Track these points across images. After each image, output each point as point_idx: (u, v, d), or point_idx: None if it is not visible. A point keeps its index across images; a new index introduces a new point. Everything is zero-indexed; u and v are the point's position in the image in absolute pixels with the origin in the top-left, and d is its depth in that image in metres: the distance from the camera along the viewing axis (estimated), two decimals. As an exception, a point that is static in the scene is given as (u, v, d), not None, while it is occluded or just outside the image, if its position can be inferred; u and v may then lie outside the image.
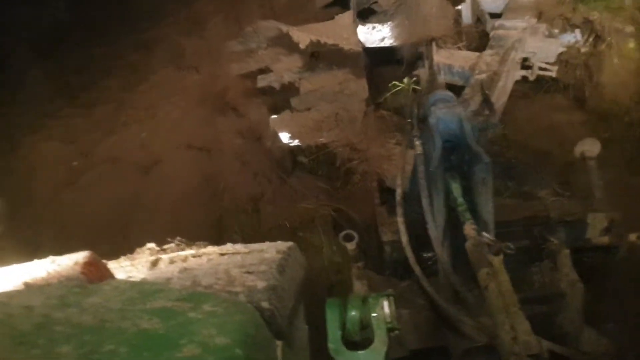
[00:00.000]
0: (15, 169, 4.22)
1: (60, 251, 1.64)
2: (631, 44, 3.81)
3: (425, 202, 2.27)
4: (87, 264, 1.53)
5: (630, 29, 3.85)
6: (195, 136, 4.15)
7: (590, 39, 3.86)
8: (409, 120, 2.42)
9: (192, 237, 3.42)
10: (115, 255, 1.93)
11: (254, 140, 4.09)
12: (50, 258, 1.60)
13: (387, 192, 3.17)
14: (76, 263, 1.53)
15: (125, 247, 2.07)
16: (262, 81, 3.73)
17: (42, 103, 4.86)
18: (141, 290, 1.33)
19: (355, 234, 2.40)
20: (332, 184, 3.64)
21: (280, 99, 3.75)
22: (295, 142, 3.43)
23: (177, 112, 4.28)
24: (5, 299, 1.32)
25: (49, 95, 4.92)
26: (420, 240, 2.41)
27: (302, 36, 3.03)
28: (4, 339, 1.14)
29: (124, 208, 3.85)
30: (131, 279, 1.67)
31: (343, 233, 2.42)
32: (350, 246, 2.42)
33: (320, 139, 3.35)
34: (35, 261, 1.63)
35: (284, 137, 3.51)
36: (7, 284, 1.52)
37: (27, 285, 1.50)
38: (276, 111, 3.63)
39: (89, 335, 1.15)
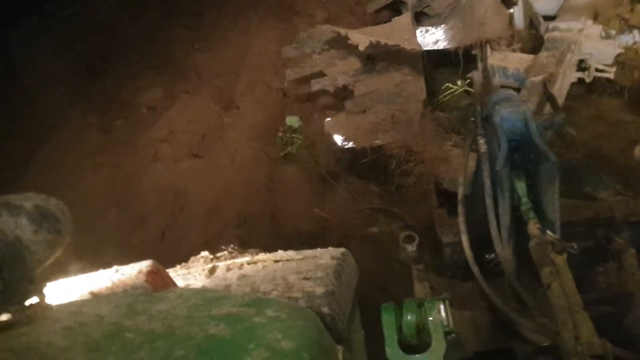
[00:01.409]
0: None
1: (122, 260, 1.71)
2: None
3: (488, 201, 2.27)
4: (151, 273, 1.57)
5: (692, 28, 3.76)
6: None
7: (651, 40, 3.78)
8: (472, 119, 2.42)
9: (251, 232, 3.52)
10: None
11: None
12: (115, 267, 1.64)
13: (444, 195, 3.18)
14: (140, 272, 1.58)
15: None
16: (316, 85, 3.78)
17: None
18: (205, 297, 1.36)
19: (415, 236, 2.43)
20: (386, 187, 3.67)
21: (335, 102, 3.80)
22: (350, 145, 3.46)
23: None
24: (76, 308, 1.36)
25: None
26: (481, 241, 2.41)
27: (361, 38, 3.06)
28: (79, 347, 1.18)
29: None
30: (192, 287, 1.72)
31: (403, 234, 2.45)
32: (411, 248, 2.45)
33: (376, 141, 3.37)
34: (100, 271, 1.68)
35: (338, 139, 3.55)
36: (75, 294, 1.57)
37: (94, 295, 1.55)
38: (331, 114, 3.67)
39: (160, 341, 1.18)
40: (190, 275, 1.90)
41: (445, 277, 2.74)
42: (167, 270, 1.83)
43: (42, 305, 1.31)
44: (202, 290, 1.56)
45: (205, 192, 4.05)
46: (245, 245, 2.55)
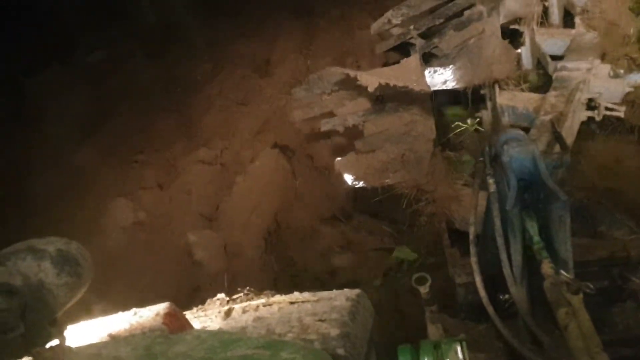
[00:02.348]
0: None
1: (139, 303, 1.72)
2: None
3: (500, 241, 2.25)
4: (168, 315, 1.61)
5: (700, 67, 3.77)
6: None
7: (659, 78, 3.79)
8: (481, 159, 2.42)
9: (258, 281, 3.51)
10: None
11: (317, 182, 4.19)
12: (133, 310, 1.68)
13: (456, 234, 3.16)
14: (157, 314, 1.61)
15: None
16: (325, 125, 3.82)
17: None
18: (221, 339, 1.36)
19: (428, 277, 2.40)
20: (397, 226, 3.66)
21: (344, 142, 3.83)
22: (360, 184, 3.47)
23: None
24: (95, 350, 1.39)
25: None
26: (495, 281, 2.38)
27: (371, 80, 3.11)
28: None
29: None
30: (208, 329, 1.73)
31: (416, 276, 2.42)
32: (424, 289, 2.42)
33: (386, 181, 3.38)
34: (119, 313, 1.71)
35: (349, 179, 3.56)
36: (93, 336, 1.60)
37: (112, 337, 1.58)
38: (340, 154, 3.70)
39: None
40: (206, 317, 1.91)
41: (459, 318, 2.70)
42: (184, 312, 1.84)
43: (62, 348, 1.32)
44: (219, 332, 1.57)
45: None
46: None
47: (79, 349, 1.40)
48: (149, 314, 1.62)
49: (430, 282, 2.40)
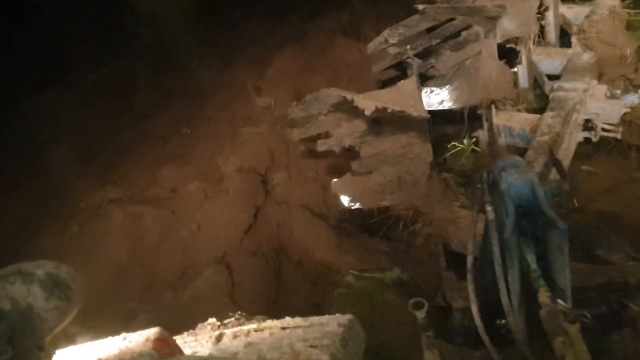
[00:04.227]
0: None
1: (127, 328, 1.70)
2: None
3: (497, 269, 2.23)
4: (158, 340, 1.58)
5: (696, 89, 3.78)
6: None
7: (656, 99, 3.81)
8: (479, 185, 2.41)
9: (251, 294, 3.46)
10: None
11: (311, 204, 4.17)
12: (122, 335, 1.65)
13: (452, 256, 3.14)
14: (147, 339, 1.58)
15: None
16: (322, 145, 3.81)
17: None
18: None
19: (424, 302, 2.38)
20: (395, 246, 3.64)
21: (341, 163, 3.82)
22: (357, 205, 3.46)
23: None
24: None
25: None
26: (492, 307, 2.36)
27: (367, 103, 3.10)
28: None
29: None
30: (198, 354, 1.71)
31: (412, 300, 2.40)
32: (420, 314, 2.40)
33: (383, 202, 3.37)
34: (108, 338, 1.68)
35: (345, 200, 3.55)
36: None
37: None
38: (337, 175, 3.68)
39: None
40: (197, 342, 1.90)
41: (455, 344, 2.68)
42: (174, 337, 1.82)
43: (51, 373, 1.30)
44: (209, 358, 1.55)
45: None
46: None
47: None
48: (139, 339, 1.60)
49: (426, 307, 2.38)
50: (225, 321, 2.08)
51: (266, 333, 1.81)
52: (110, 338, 1.69)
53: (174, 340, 1.70)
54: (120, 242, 4.01)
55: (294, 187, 4.19)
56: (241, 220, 3.95)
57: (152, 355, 1.52)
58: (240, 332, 1.87)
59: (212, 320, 2.10)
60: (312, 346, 1.61)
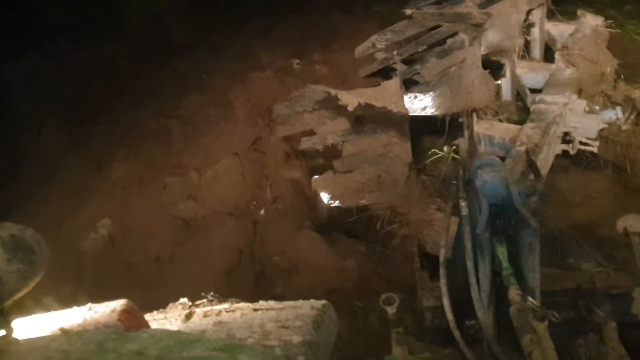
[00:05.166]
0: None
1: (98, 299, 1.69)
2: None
3: (469, 265, 2.26)
4: (124, 312, 1.56)
5: (672, 107, 3.88)
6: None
7: (632, 117, 3.89)
8: (455, 182, 2.44)
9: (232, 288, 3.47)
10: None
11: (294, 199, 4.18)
12: (88, 305, 1.62)
13: (427, 258, 3.17)
14: (113, 311, 1.56)
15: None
16: (305, 143, 3.83)
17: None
18: (178, 339, 1.33)
19: (396, 298, 2.40)
20: (371, 246, 3.66)
21: (323, 161, 3.84)
22: (336, 203, 3.48)
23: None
24: (44, 343, 1.35)
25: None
26: (462, 306, 2.38)
27: (350, 99, 3.13)
28: None
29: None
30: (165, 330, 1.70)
31: (384, 296, 2.42)
32: (391, 310, 2.41)
33: (362, 201, 3.39)
34: (74, 308, 1.66)
35: (325, 197, 3.57)
36: (45, 329, 1.54)
37: (64, 331, 1.52)
38: (318, 173, 3.70)
39: None
40: (166, 320, 1.88)
41: (425, 342, 2.69)
42: (144, 314, 1.80)
43: (8, 339, 1.28)
44: (176, 333, 1.54)
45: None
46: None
47: (27, 341, 1.36)
48: (105, 310, 1.57)
49: (397, 302, 2.40)
50: (197, 302, 2.07)
51: (237, 313, 1.80)
52: (75, 308, 1.67)
53: (142, 314, 1.68)
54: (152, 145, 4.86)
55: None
56: (249, 134, 4.68)
57: (117, 327, 1.50)
58: (211, 311, 1.86)
59: (183, 300, 2.09)
60: (283, 327, 1.60)
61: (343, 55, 5.18)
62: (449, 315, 2.34)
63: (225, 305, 1.90)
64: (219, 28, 6.43)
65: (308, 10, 6.46)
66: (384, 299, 2.44)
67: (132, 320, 1.57)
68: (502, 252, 2.23)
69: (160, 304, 3.38)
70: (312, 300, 1.82)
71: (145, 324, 1.63)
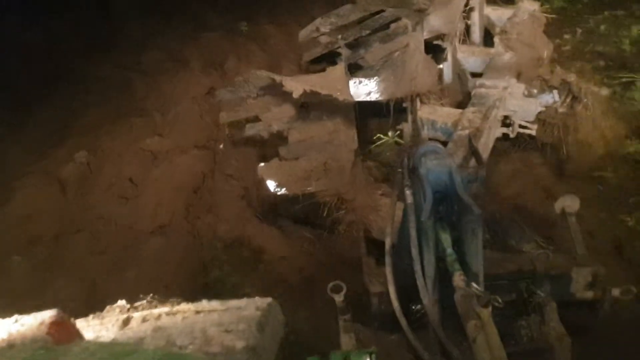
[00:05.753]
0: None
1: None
2: (606, 106, 3.97)
3: (414, 252, 2.28)
4: (54, 324, 1.48)
5: (605, 91, 4.02)
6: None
7: (568, 100, 4.01)
8: (400, 170, 2.46)
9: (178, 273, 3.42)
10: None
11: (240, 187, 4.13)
12: (14, 317, 1.54)
13: (373, 243, 3.19)
14: (42, 323, 1.48)
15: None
16: (250, 130, 3.77)
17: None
18: (112, 351, 1.29)
19: (343, 285, 2.39)
20: (318, 233, 3.66)
21: (269, 147, 3.79)
22: (283, 191, 3.44)
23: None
24: None
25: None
26: (408, 292, 2.41)
27: (296, 85, 3.09)
28: None
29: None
30: (101, 339, 1.63)
31: (331, 284, 2.41)
32: (338, 298, 2.41)
33: (308, 188, 3.37)
34: None
35: (271, 185, 3.52)
36: None
37: None
38: (264, 160, 3.65)
39: None
40: (102, 326, 1.80)
41: (373, 328, 2.71)
42: (78, 319, 1.72)
43: None
44: (110, 344, 1.47)
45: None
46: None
47: None
48: (33, 322, 1.48)
49: (345, 290, 2.39)
50: (136, 304, 1.99)
51: (178, 317, 1.75)
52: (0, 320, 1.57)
53: (73, 324, 1.59)
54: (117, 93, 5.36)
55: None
56: (204, 82, 5.23)
57: (45, 341, 1.42)
58: (150, 315, 1.80)
59: (121, 302, 2.01)
60: (226, 331, 1.57)
61: (289, 17, 5.96)
62: (395, 303, 2.37)
63: (166, 308, 1.84)
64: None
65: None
66: (331, 286, 2.43)
67: (62, 332, 1.49)
68: (445, 238, 2.26)
69: (136, 216, 3.94)
70: (257, 298, 1.79)
71: (77, 335, 1.55)
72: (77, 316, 1.75)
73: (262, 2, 6.44)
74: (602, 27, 5.41)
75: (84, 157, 4.52)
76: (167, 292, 2.96)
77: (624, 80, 4.63)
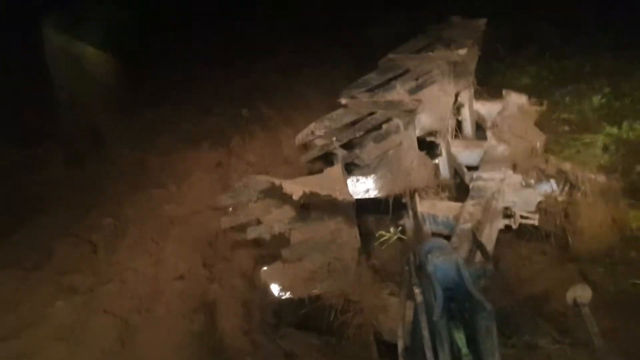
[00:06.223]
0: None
1: None
2: (604, 192, 3.99)
3: (429, 354, 2.19)
4: None
5: (602, 177, 4.06)
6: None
7: (566, 188, 4.04)
8: (406, 268, 2.42)
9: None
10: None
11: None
12: None
13: (385, 346, 3.08)
14: None
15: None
16: (252, 232, 3.74)
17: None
18: None
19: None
20: (325, 339, 3.53)
21: (271, 250, 3.75)
22: (287, 294, 3.37)
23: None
24: None
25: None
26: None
27: (295, 188, 3.12)
28: None
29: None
30: None
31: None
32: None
33: (314, 290, 3.30)
34: None
35: (275, 289, 3.46)
36: None
37: None
38: (266, 263, 3.61)
39: None
40: None
41: None
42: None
43: None
44: None
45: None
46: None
47: None
48: None
49: None
50: None
51: None
52: None
53: None
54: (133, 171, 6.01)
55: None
56: (212, 157, 5.95)
57: None
58: None
59: None
60: None
61: (284, 102, 6.75)
62: None
63: None
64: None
65: (249, 73, 7.84)
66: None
67: None
68: (460, 337, 2.18)
69: (159, 267, 4.46)
70: None
71: None
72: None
73: (259, 92, 7.23)
74: (567, 99, 5.89)
75: (111, 222, 5.10)
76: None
77: (586, 141, 5.08)
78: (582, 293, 2.99)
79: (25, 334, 3.96)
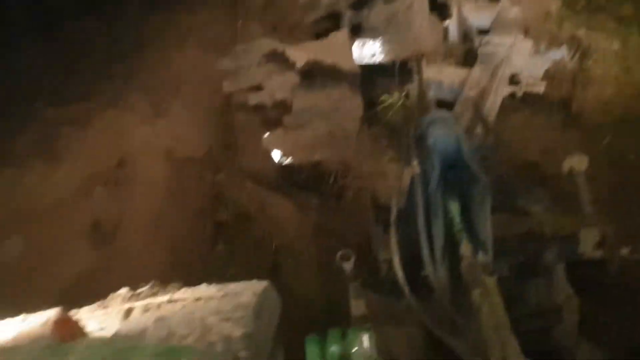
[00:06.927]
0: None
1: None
2: (617, 61, 3.88)
3: (420, 222, 2.28)
4: (58, 322, 1.55)
5: (616, 46, 3.92)
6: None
7: (577, 56, 3.92)
8: (406, 139, 2.44)
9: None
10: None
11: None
12: (22, 316, 1.61)
13: (381, 210, 3.19)
14: (47, 322, 1.55)
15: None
16: (253, 99, 3.73)
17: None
18: (115, 348, 1.32)
19: (352, 253, 2.42)
20: (325, 199, 3.66)
21: (273, 116, 3.76)
22: (288, 160, 3.44)
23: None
24: None
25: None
26: (419, 258, 2.42)
27: (299, 55, 3.05)
28: None
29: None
30: (104, 332, 1.66)
31: (340, 252, 2.44)
32: (348, 265, 2.44)
33: (314, 157, 3.36)
34: (7, 320, 1.64)
35: (277, 155, 3.52)
36: None
37: None
38: (268, 129, 3.64)
39: None
40: (106, 316, 1.83)
41: (383, 294, 2.75)
42: (83, 309, 1.76)
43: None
44: (112, 341, 1.51)
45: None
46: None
47: None
48: (38, 321, 1.55)
49: (354, 258, 2.42)
50: (138, 291, 2.03)
51: (178, 305, 1.78)
52: (8, 319, 1.62)
53: (76, 322, 1.64)
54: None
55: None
56: None
57: (50, 339, 1.49)
58: (152, 305, 1.82)
59: (124, 290, 2.05)
60: (224, 319, 1.60)
61: None
62: (399, 273, 2.39)
63: (166, 297, 1.86)
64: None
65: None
66: (340, 255, 2.46)
67: (66, 330, 1.55)
68: (454, 207, 2.26)
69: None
70: (254, 281, 1.82)
71: (80, 332, 1.60)
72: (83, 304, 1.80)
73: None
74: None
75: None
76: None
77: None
78: (578, 162, 3.02)
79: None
